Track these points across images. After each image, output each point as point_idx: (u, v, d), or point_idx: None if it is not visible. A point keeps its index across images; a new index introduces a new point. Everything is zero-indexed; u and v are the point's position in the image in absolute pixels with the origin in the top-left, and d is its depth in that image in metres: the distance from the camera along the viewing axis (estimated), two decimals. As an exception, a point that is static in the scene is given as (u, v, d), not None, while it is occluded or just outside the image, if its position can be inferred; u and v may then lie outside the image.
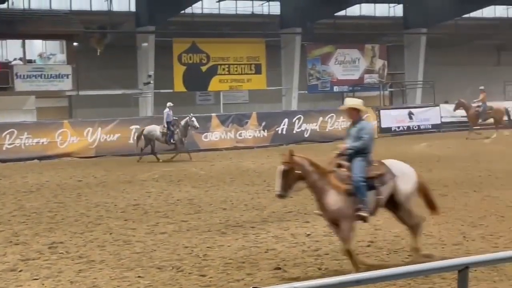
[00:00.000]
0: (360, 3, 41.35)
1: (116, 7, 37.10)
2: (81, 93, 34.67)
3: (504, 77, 44.89)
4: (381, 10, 43.54)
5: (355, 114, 10.33)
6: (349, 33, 42.50)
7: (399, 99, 43.78)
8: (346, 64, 41.98)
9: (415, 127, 37.33)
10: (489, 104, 32.80)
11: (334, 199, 9.51)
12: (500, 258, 4.09)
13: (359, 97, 41.82)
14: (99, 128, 29.93)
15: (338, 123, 34.42)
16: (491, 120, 33.00)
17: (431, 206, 10.64)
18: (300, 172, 9.58)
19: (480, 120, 32.50)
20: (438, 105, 38.71)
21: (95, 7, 37.04)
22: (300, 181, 9.69)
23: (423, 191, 10.47)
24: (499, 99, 42.25)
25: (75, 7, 36.34)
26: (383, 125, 36.31)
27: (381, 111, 36.98)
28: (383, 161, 10.10)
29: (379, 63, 42.84)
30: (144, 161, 26.60)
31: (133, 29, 36.76)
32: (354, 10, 42.15)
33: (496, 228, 12.45)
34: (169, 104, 27.59)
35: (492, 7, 44.79)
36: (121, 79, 35.92)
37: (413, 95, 42.31)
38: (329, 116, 34.97)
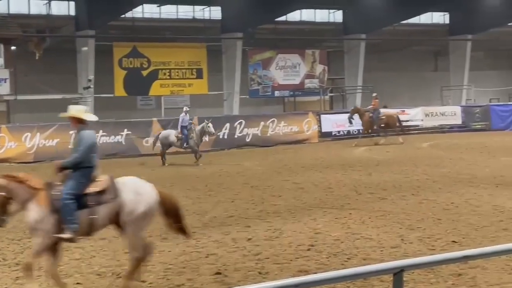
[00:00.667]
0: (300, 8, 41.60)
1: (55, 11, 36.68)
2: (20, 97, 34.09)
3: (441, 82, 45.68)
4: (321, 15, 43.92)
5: (76, 123, 9.22)
6: (290, 38, 42.73)
7: (339, 103, 44.16)
8: (287, 69, 42.17)
9: (355, 131, 37.63)
10: (382, 111, 33.29)
11: (32, 215, 8.76)
12: (435, 261, 4.15)
13: (300, 102, 42.63)
14: (38, 133, 29.47)
15: (280, 128, 34.57)
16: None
17: (181, 229, 9.63)
18: (4, 193, 8.78)
19: (374, 127, 32.74)
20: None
21: (33, 11, 36.55)
22: (9, 202, 8.90)
23: (170, 213, 9.43)
24: (437, 104, 43.07)
25: (13, 10, 35.80)
26: (324, 130, 36.56)
27: (322, 116, 37.24)
28: (116, 178, 9.13)
29: (319, 68, 43.15)
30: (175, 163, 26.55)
31: (72, 33, 36.33)
32: (294, 16, 42.41)
33: (433, 230, 12.61)
34: (185, 108, 27.32)
35: (429, 13, 45.54)
36: (60, 84, 35.42)
37: (353, 100, 42.71)
38: (270, 120, 35.06)
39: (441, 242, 11.71)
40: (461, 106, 41.90)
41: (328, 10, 43.59)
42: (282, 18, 41.03)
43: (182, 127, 26.33)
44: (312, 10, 43.02)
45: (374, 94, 32.88)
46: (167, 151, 27.00)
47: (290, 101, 43.28)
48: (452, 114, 40.66)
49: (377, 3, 39.03)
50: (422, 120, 39.57)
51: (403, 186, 18.35)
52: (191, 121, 26.80)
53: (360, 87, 42.78)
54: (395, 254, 10.84)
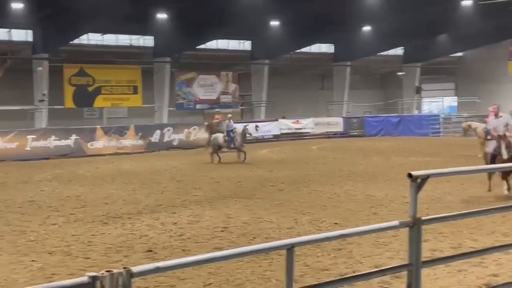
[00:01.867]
0: (216, 38, 41.62)
1: (15, 37, 35.49)
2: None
3: (327, 98, 46.42)
4: (234, 44, 43.95)
5: None
6: (208, 62, 42.61)
7: (248, 115, 44.33)
8: (206, 87, 42.01)
9: (260, 137, 37.84)
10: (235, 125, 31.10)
11: None
12: (319, 239, 4.20)
13: (218, 113, 42.48)
14: (0, 138, 28.50)
15: (201, 134, 34.42)
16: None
17: None
18: None
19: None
20: (277, 120, 39.53)
21: (-3, 37, 35.29)
22: None
23: None
24: (323, 115, 43.74)
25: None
26: (235, 135, 36.61)
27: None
28: None
29: (232, 86, 43.15)
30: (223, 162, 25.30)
31: (30, 56, 35.15)
32: (212, 44, 42.31)
33: (320, 215, 12.80)
34: (229, 115, 26.71)
35: (318, 44, 46.21)
36: (19, 97, 34.36)
37: (259, 112, 42.96)
38: (192, 128, 34.99)
39: (326, 224, 11.89)
40: (342, 117, 42.69)
41: (238, 40, 43.70)
42: (202, 46, 40.89)
43: (228, 131, 25.55)
44: (226, 40, 43.07)
45: (217, 110, 31.60)
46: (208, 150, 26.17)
47: (209, 112, 43.11)
48: (335, 123, 41.44)
49: (278, 36, 39.38)
50: (312, 128, 40.16)
51: (297, 180, 18.57)
52: (234, 126, 26.07)
53: (264, 102, 43.03)
54: (290, 233, 10.94)
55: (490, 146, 15.34)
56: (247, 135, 26.16)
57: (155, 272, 3.34)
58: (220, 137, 25.80)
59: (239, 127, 26.66)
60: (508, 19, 40.13)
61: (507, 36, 45.81)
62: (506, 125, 14.59)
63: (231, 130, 25.78)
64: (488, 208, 5.75)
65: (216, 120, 28.39)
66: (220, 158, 25.37)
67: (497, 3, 32.34)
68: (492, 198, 14.18)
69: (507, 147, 13.69)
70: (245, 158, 25.21)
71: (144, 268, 3.26)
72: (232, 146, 25.66)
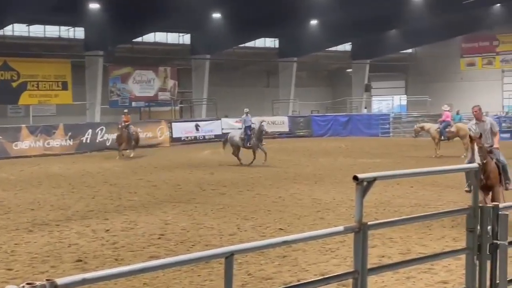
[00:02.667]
0: (154, 31, 41.32)
1: None
2: None
3: (272, 96, 46.65)
4: (172, 38, 43.74)
5: None
6: (145, 56, 42.29)
7: (187, 113, 44.17)
8: (143, 83, 41.73)
9: (201, 137, 37.80)
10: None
11: None
12: (259, 246, 4.22)
13: (154, 111, 42.24)
14: None
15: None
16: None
17: None
18: None
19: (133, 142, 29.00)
20: (219, 119, 39.50)
21: None
22: None
23: None
24: (268, 114, 43.86)
25: None
26: (174, 135, 36.47)
27: (173, 124, 37.16)
28: None
29: (170, 83, 42.98)
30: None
31: None
32: (149, 37, 42.02)
33: (264, 220, 12.85)
34: (246, 110, 25.42)
35: (262, 39, 46.44)
36: None
37: (200, 110, 42.86)
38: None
39: (270, 229, 11.94)
40: (288, 116, 42.96)
41: (178, 34, 43.50)
42: (139, 39, 40.59)
43: (245, 127, 24.26)
44: (164, 33, 42.81)
45: (126, 111, 30.14)
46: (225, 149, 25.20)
47: (145, 110, 42.84)
48: (281, 123, 41.66)
49: (219, 29, 39.35)
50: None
51: (239, 183, 18.59)
52: (252, 122, 24.68)
53: (206, 99, 42.96)
54: (232, 240, 10.94)
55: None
56: (264, 132, 24.59)
57: (82, 284, 3.28)
58: (236, 135, 24.59)
59: (254, 123, 25.42)
60: (460, 15, 41.25)
61: (459, 32, 47.04)
62: (490, 130, 12.53)
63: (249, 127, 24.44)
64: (437, 212, 5.89)
65: (125, 123, 27.86)
66: (240, 160, 24.12)
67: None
68: (441, 202, 14.51)
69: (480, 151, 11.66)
70: (265, 159, 23.88)
71: (70, 280, 3.20)
72: (248, 145, 24.15)
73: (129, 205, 15.03)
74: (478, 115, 12.75)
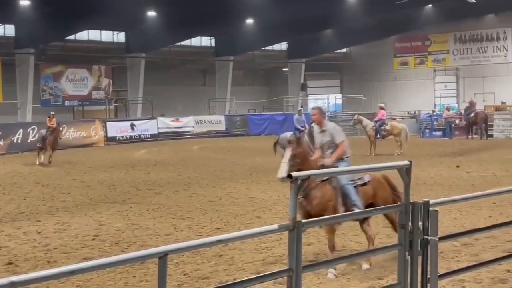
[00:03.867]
0: (87, 29, 40.69)
1: None
2: None
3: (208, 95, 46.59)
4: (107, 36, 43.15)
5: None
6: (78, 55, 41.60)
7: (122, 112, 43.64)
8: (76, 82, 41.00)
9: (137, 136, 37.42)
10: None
11: None
12: (193, 245, 4.20)
13: (88, 111, 41.60)
14: None
15: (70, 133, 33.52)
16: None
17: None
18: None
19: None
20: (155, 118, 39.19)
21: None
22: None
23: None
24: (205, 113, 43.86)
25: None
26: (109, 135, 35.98)
27: (107, 123, 36.65)
28: None
29: (105, 81, 42.37)
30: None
31: None
32: (82, 35, 41.35)
33: (201, 219, 12.83)
34: (300, 108, 22.89)
35: (198, 37, 46.30)
36: None
37: (135, 109, 42.43)
38: (61, 127, 33.80)
39: (207, 229, 11.93)
40: (225, 115, 42.95)
41: (112, 32, 42.94)
42: (72, 37, 39.93)
43: (295, 129, 21.96)
44: (98, 31, 42.21)
45: (52, 113, 27.40)
46: None
47: (79, 110, 42.14)
48: (217, 122, 41.63)
49: (155, 27, 39.04)
50: (193, 127, 40.13)
51: (176, 183, 18.49)
52: (305, 122, 22.03)
53: (141, 98, 42.56)
54: (168, 240, 10.87)
55: None
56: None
57: (11, 287, 3.20)
58: (287, 136, 21.41)
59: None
60: (393, 15, 42.12)
61: (392, 32, 48.00)
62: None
63: (304, 126, 21.45)
64: (371, 208, 5.98)
65: (51, 126, 25.40)
66: None
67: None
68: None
69: None
70: None
71: (-2, 283, 3.12)
72: None
73: (62, 206, 14.75)
74: (318, 120, 9.93)
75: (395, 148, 26.37)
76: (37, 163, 24.63)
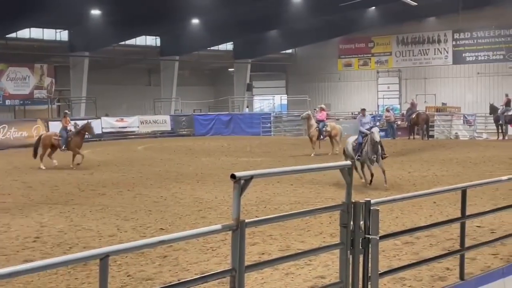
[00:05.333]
0: (29, 27, 39.88)
1: None
2: None
3: (154, 95, 46.27)
4: (49, 34, 42.35)
5: None
6: (20, 53, 40.75)
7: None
8: (18, 81, 40.15)
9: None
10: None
11: None
12: (135, 246, 4.18)
13: (30, 110, 40.79)
14: None
15: (11, 133, 32.87)
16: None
17: None
18: None
19: None
20: (100, 118, 38.66)
21: None
22: None
23: None
24: (150, 113, 43.57)
25: None
26: (52, 135, 35.38)
27: (50, 122, 35.95)
28: None
29: (47, 80, 41.59)
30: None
31: None
32: (24, 33, 40.48)
33: (145, 220, 12.74)
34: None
35: (143, 37, 45.92)
36: None
37: (78, 109, 41.76)
38: (1, 126, 33.22)
39: (151, 229, 11.85)
40: (170, 115, 42.71)
41: (55, 30, 42.19)
42: (13, 34, 39.08)
43: (359, 132, 17.76)
44: (40, 29, 41.42)
45: (66, 111, 26.85)
46: None
47: (20, 109, 41.27)
48: (163, 122, 41.37)
49: (99, 26, 38.55)
50: (138, 127, 39.76)
51: (120, 183, 18.30)
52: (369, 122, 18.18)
53: (84, 98, 41.96)
54: (112, 241, 10.75)
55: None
56: (376, 141, 16.94)
57: None
58: (350, 142, 17.85)
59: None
60: (338, 17, 42.57)
61: (337, 34, 48.51)
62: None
63: (367, 130, 17.33)
64: (314, 208, 6.05)
65: (66, 126, 23.45)
66: (364, 177, 17.43)
67: None
68: (319, 199, 14.92)
69: None
70: (385, 181, 16.73)
71: None
72: (357, 157, 17.21)
73: (2, 207, 14.44)
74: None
75: (333, 147, 26.91)
76: (44, 167, 22.26)
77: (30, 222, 12.63)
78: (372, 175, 17.04)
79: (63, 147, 22.91)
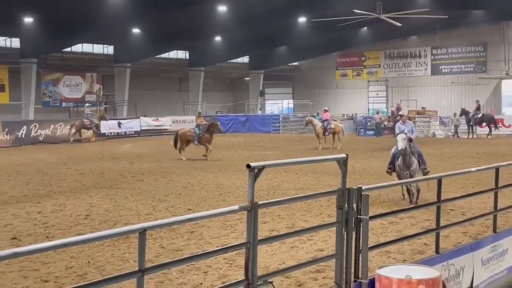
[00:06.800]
0: (82, 43, 40.04)
1: None
2: None
3: (183, 99, 46.33)
4: (98, 49, 42.48)
5: None
6: (74, 64, 40.87)
7: (111, 112, 42.99)
8: (72, 87, 40.31)
9: (123, 133, 37.01)
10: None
11: None
12: (168, 222, 4.19)
13: (82, 111, 40.88)
14: None
15: (66, 130, 33.05)
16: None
17: None
18: None
19: None
20: (139, 118, 38.82)
21: None
22: None
23: None
24: (180, 114, 43.58)
25: None
26: (100, 131, 35.52)
27: (98, 121, 36.17)
28: None
29: (96, 86, 41.73)
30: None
31: None
32: (77, 48, 40.61)
33: (176, 202, 12.78)
34: (401, 113, 14.28)
35: (175, 51, 45.95)
36: None
37: (121, 110, 41.88)
38: (58, 124, 33.44)
39: (181, 209, 11.88)
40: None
41: (102, 45, 42.32)
42: (68, 49, 39.24)
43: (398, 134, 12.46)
44: (90, 44, 41.57)
45: (200, 111, 28.68)
46: None
47: (74, 110, 41.41)
48: (191, 121, 41.20)
49: (139, 42, 38.68)
50: (170, 125, 39.76)
51: (155, 171, 18.35)
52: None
53: (126, 101, 42.06)
54: (148, 219, 10.78)
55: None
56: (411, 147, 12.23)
57: (13, 257, 3.15)
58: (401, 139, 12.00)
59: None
60: (335, 34, 42.34)
61: (335, 49, 48.33)
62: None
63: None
64: (315, 193, 6.04)
65: (200, 124, 23.03)
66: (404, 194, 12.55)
67: (327, 21, 33.94)
68: (320, 186, 14.89)
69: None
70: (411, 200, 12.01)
71: (3, 254, 3.08)
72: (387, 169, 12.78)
73: (59, 190, 14.55)
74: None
75: (333, 143, 27.01)
76: (184, 158, 21.89)
77: (82, 202, 12.71)
78: (411, 194, 11.94)
79: (195, 142, 22.51)
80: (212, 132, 22.62)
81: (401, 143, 11.89)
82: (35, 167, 20.10)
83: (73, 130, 31.67)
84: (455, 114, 36.16)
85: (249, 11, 34.05)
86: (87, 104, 34.46)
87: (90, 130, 33.16)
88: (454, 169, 14.40)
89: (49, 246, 3.43)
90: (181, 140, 22.63)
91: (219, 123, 24.75)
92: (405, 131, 12.21)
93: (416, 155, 12.31)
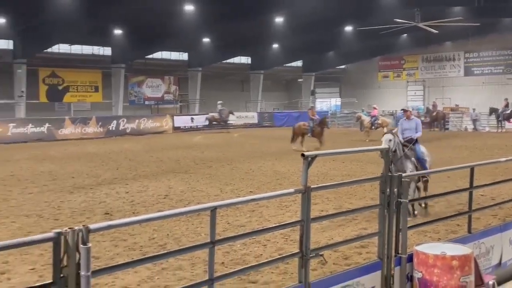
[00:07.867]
0: (161, 50, 40.82)
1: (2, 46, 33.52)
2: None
3: (245, 98, 46.55)
4: (174, 55, 43.21)
5: None
6: (154, 69, 41.75)
7: (185, 109, 43.79)
8: (153, 88, 41.25)
9: (195, 126, 37.55)
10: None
11: None
12: (237, 202, 4.22)
13: (161, 108, 41.82)
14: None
15: (149, 124, 33.90)
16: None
17: None
18: None
19: None
20: (208, 114, 39.20)
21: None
22: None
23: None
24: (243, 111, 43.77)
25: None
26: (176, 125, 36.18)
27: (175, 117, 36.88)
28: None
29: (173, 87, 42.53)
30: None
31: (11, 61, 33.28)
32: (157, 55, 41.44)
33: (239, 185, 12.87)
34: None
35: (238, 57, 46.16)
36: (1, 93, 32.55)
37: (194, 107, 42.49)
38: (142, 119, 34.33)
39: (244, 192, 11.97)
40: (257, 112, 42.89)
41: (178, 52, 43.02)
42: (150, 56, 40.11)
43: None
44: (168, 52, 42.34)
45: (312, 105, 28.23)
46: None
47: (155, 107, 42.40)
48: (251, 117, 41.60)
49: (208, 49, 39.17)
50: (234, 120, 39.98)
51: (222, 159, 18.45)
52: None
53: (198, 100, 42.63)
54: (216, 199, 10.88)
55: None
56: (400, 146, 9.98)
57: (108, 228, 3.27)
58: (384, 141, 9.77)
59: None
60: (378, 41, 41.45)
61: (377, 53, 47.35)
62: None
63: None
64: (360, 179, 5.95)
65: (313, 118, 21.67)
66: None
67: (371, 29, 33.29)
68: (364, 173, 14.66)
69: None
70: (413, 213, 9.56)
71: (99, 226, 3.20)
72: None
73: (143, 174, 14.94)
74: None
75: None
76: (294, 148, 20.69)
77: (161, 184, 13.00)
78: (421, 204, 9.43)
79: (309, 134, 21.47)
80: (322, 127, 21.57)
81: (384, 143, 8.72)
82: (123, 155, 20.72)
83: (206, 122, 33.35)
84: (474, 110, 35.07)
85: (302, 21, 33.78)
86: (219, 102, 34.60)
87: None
88: (484, 159, 13.88)
89: (135, 220, 3.53)
90: (297, 132, 21.60)
91: (328, 120, 22.95)
92: (411, 129, 9.68)
93: (412, 159, 9.23)
